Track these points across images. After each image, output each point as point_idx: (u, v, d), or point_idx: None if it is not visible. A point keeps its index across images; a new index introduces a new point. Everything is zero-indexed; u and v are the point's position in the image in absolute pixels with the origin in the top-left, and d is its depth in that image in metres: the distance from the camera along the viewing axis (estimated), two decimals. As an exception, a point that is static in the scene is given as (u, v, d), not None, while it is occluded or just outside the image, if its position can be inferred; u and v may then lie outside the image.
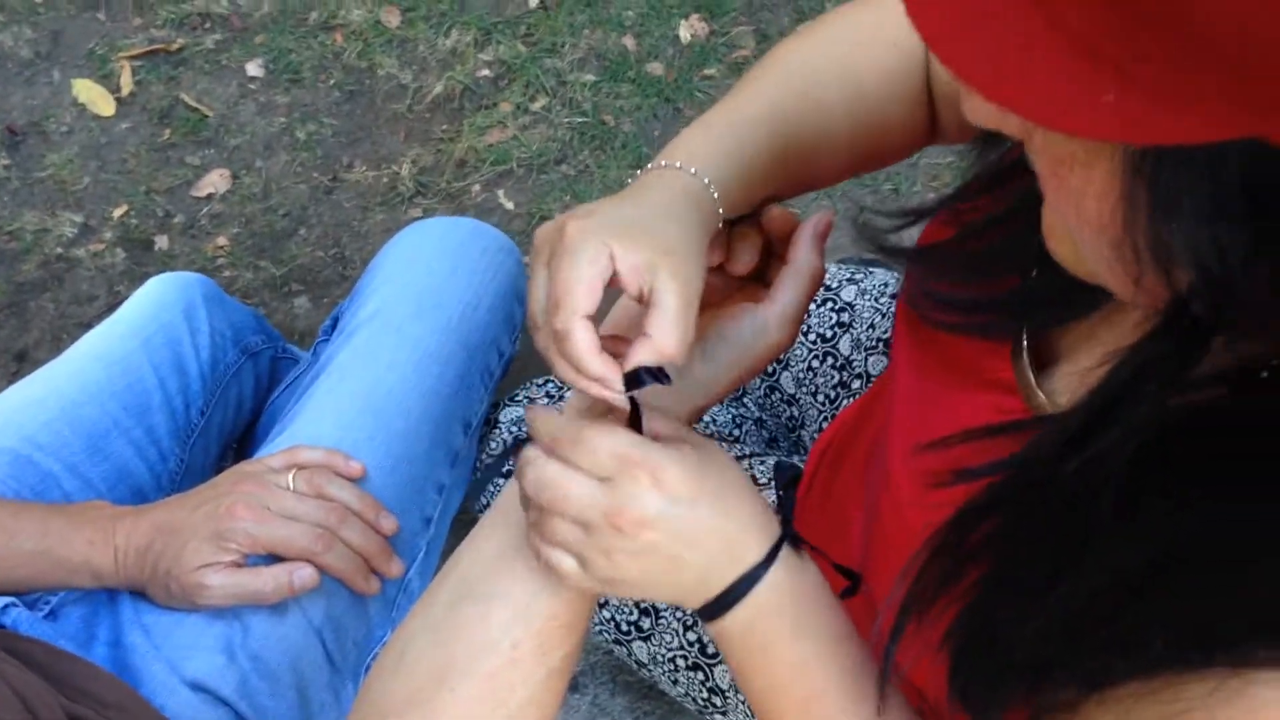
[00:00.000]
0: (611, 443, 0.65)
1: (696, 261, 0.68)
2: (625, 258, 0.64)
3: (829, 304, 1.18)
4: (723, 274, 0.80)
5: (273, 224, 1.97)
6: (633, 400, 0.67)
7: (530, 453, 0.68)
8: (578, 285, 0.63)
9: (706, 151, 0.75)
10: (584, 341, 0.64)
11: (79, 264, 1.93)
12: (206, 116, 2.04)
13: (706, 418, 1.20)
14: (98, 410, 1.12)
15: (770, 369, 1.20)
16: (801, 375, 1.18)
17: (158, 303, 1.23)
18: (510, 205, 1.96)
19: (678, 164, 0.73)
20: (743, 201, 0.77)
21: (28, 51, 2.08)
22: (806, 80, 0.81)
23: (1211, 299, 0.45)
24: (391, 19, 2.12)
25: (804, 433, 1.20)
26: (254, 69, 2.08)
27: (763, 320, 0.75)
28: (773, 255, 0.80)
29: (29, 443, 1.07)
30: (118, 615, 0.98)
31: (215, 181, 1.99)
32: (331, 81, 2.08)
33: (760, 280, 0.80)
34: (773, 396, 1.22)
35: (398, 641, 0.74)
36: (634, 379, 0.65)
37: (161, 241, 1.95)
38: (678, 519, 0.65)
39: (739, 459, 1.13)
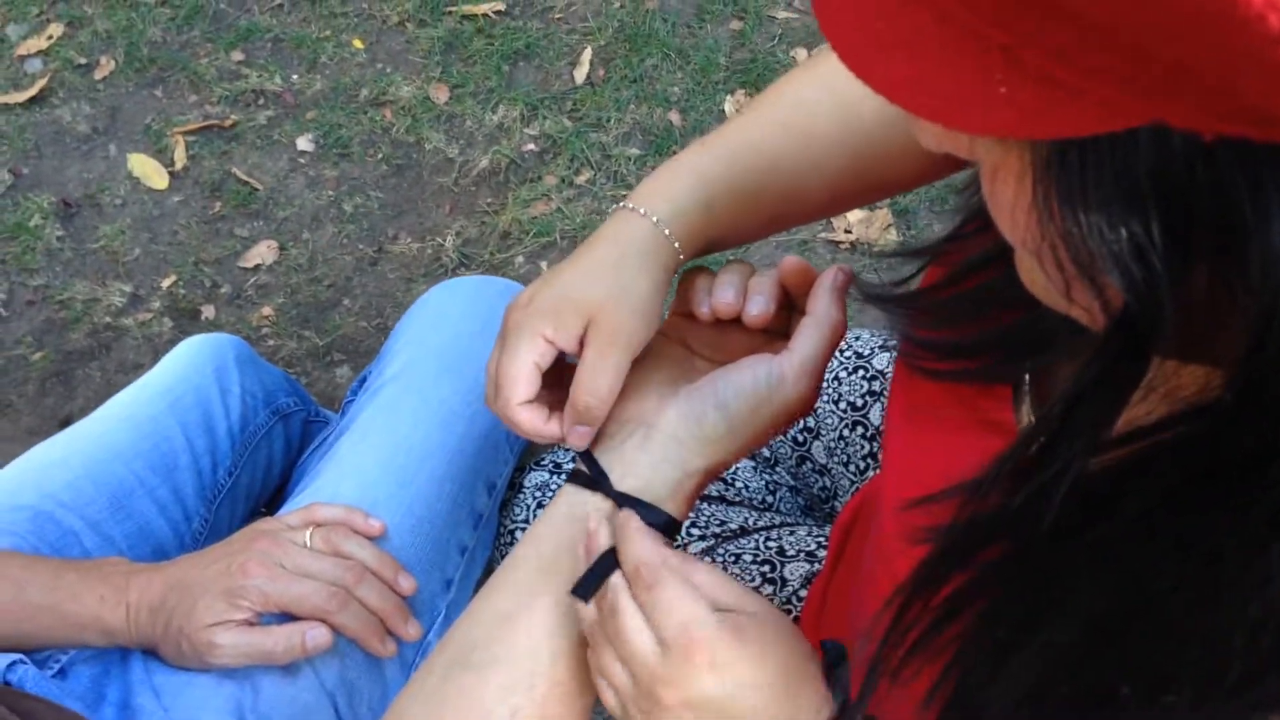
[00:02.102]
0: (682, 610, 0.63)
1: (630, 309, 0.73)
2: (559, 336, 0.73)
3: (860, 372, 1.14)
4: (745, 330, 0.78)
5: (317, 294, 1.98)
6: (590, 457, 0.74)
7: (616, 579, 0.66)
8: (515, 377, 0.73)
9: (667, 192, 0.77)
10: (527, 424, 0.75)
11: (126, 333, 1.95)
12: (256, 190, 2.07)
13: (739, 484, 1.17)
14: (123, 468, 1.11)
15: (801, 438, 1.17)
16: (833, 444, 1.15)
17: (189, 364, 1.22)
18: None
19: (633, 206, 0.76)
20: (710, 239, 0.77)
21: (85, 127, 2.13)
22: (794, 111, 0.80)
23: (1143, 310, 0.42)
24: (440, 95, 2.15)
25: (837, 503, 1.16)
26: (304, 144, 2.11)
27: (779, 371, 0.72)
28: (795, 310, 0.77)
29: (51, 499, 1.06)
30: (128, 675, 0.96)
31: (263, 253, 2.01)
32: (379, 156, 2.10)
33: (785, 337, 0.77)
34: (805, 466, 1.18)
35: (391, 713, 0.71)
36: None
37: (208, 311, 1.96)
38: (731, 705, 0.62)
39: (770, 528, 1.09)
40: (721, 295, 0.75)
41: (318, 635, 0.94)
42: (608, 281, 0.73)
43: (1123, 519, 0.49)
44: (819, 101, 0.81)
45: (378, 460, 1.05)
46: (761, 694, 0.63)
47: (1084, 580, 0.51)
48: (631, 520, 0.67)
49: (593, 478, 0.73)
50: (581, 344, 0.73)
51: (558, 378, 0.76)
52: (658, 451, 0.71)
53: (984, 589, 0.56)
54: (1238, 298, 0.41)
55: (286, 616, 0.96)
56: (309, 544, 0.98)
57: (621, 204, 0.77)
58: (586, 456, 0.74)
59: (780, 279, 0.75)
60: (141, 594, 0.95)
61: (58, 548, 1.04)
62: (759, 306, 0.74)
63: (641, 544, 0.66)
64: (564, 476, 1.10)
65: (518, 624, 0.69)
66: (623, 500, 0.71)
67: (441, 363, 1.10)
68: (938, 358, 0.69)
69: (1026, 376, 0.65)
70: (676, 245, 0.76)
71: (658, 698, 0.63)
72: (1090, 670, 0.51)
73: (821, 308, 0.73)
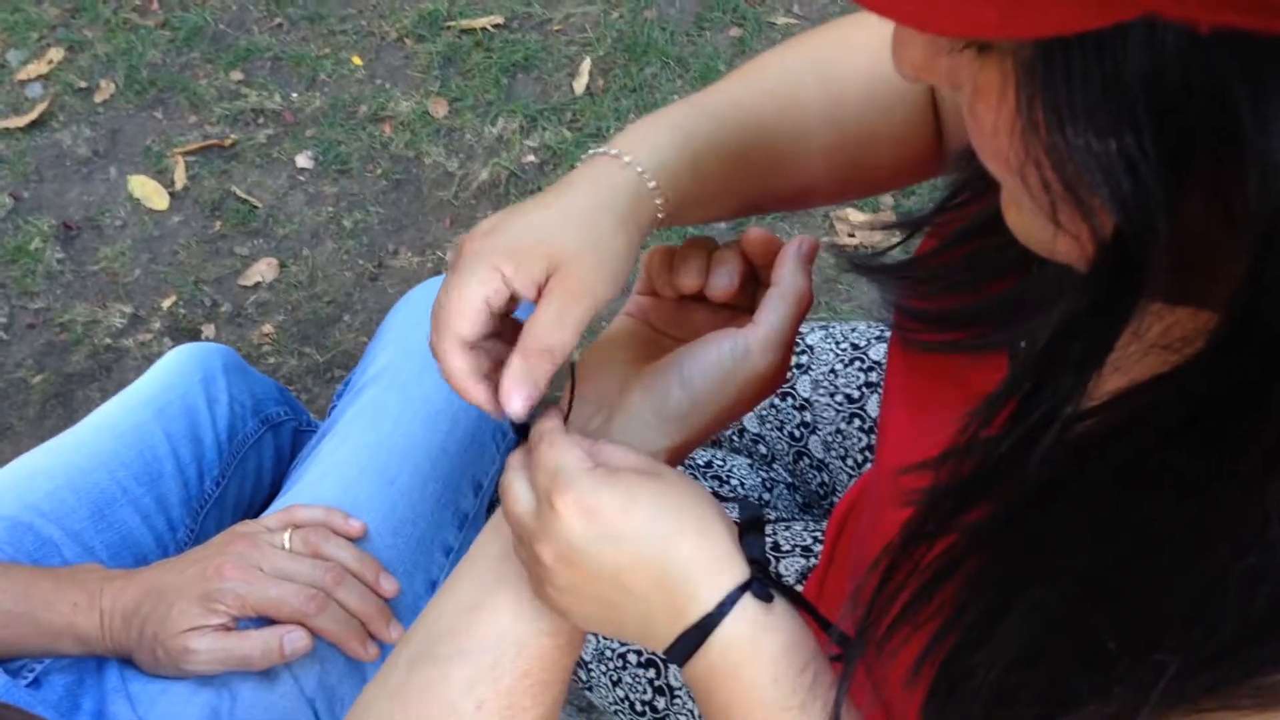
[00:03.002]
0: (553, 459, 0.60)
1: (600, 265, 0.66)
2: (516, 277, 0.64)
3: (857, 363, 1.11)
4: (710, 307, 0.75)
5: (318, 311, 1.96)
6: (525, 427, 0.66)
7: (512, 455, 0.64)
8: (457, 309, 0.63)
9: (652, 141, 0.71)
10: (457, 368, 0.65)
11: (126, 354, 1.94)
12: (256, 208, 2.06)
13: (734, 481, 1.13)
14: (105, 478, 1.09)
15: (798, 433, 1.13)
16: (830, 438, 1.11)
17: (176, 372, 1.20)
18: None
19: (613, 151, 0.69)
20: (696, 196, 0.72)
21: (86, 150, 2.13)
22: (780, 78, 0.77)
23: (1135, 232, 0.39)
24: (439, 109, 2.14)
25: (835, 499, 1.13)
26: (304, 160, 2.11)
27: (744, 344, 0.68)
28: (759, 284, 0.75)
29: (30, 509, 1.04)
30: (103, 684, 0.93)
31: (262, 270, 2.00)
32: (379, 171, 2.09)
33: (751, 313, 0.74)
34: (801, 462, 1.15)
35: (355, 710, 0.68)
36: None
37: (208, 330, 1.95)
38: (600, 554, 0.58)
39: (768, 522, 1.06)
40: (685, 270, 0.72)
41: (296, 639, 0.91)
42: (582, 231, 0.66)
43: (1113, 464, 0.47)
44: (805, 72, 0.79)
45: (358, 460, 1.03)
46: (642, 546, 0.58)
47: (1075, 534, 0.49)
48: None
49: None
50: (539, 293, 0.66)
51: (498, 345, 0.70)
52: (621, 433, 0.68)
53: (973, 550, 0.54)
54: (1234, 217, 0.38)
55: (264, 621, 0.93)
56: (287, 546, 0.95)
57: (601, 149, 0.71)
58: (523, 430, 0.68)
59: (744, 250, 0.72)
60: (115, 600, 0.92)
61: (36, 558, 1.01)
62: (723, 280, 0.71)
63: (541, 420, 0.64)
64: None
65: (481, 614, 0.67)
66: None
67: (424, 361, 1.07)
68: (930, 329, 0.67)
69: (1022, 345, 0.62)
70: (658, 202, 0.71)
71: (539, 557, 0.59)
72: (1082, 630, 0.48)
73: (787, 278, 0.70)
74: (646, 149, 0.70)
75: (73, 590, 0.93)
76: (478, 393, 0.65)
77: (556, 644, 0.66)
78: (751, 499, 1.13)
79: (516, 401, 0.65)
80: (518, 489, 0.61)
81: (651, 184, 0.69)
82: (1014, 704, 0.50)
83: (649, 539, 0.58)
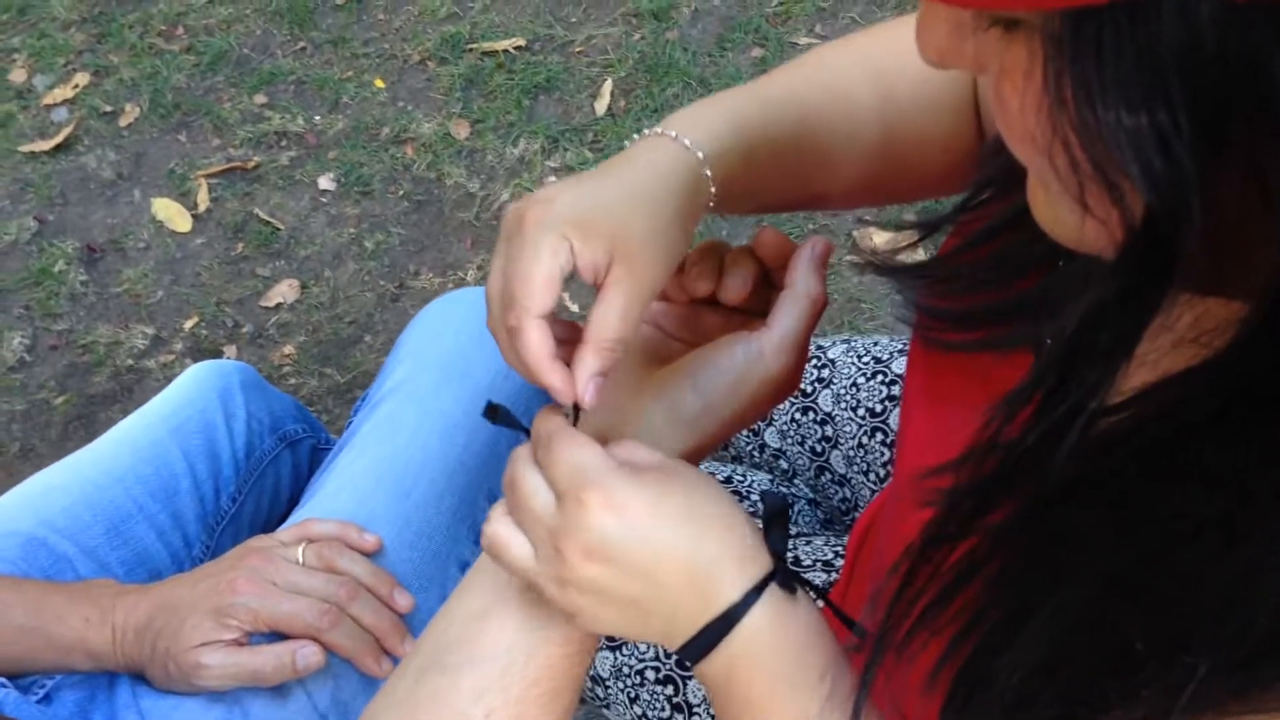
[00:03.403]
0: (573, 457, 0.58)
1: (662, 254, 0.63)
2: (583, 253, 0.60)
3: (879, 376, 1.09)
4: (723, 311, 0.74)
5: (339, 332, 1.96)
6: (576, 411, 0.64)
7: (518, 450, 0.62)
8: (534, 282, 0.60)
9: (709, 124, 0.68)
10: (537, 344, 0.61)
11: (148, 375, 1.94)
12: (278, 229, 2.06)
13: (754, 498, 1.11)
14: (121, 494, 1.08)
15: (819, 448, 1.12)
16: (852, 453, 1.09)
17: (194, 389, 1.20)
18: (575, 307, 1.92)
19: (672, 133, 0.67)
20: (745, 187, 0.70)
21: (110, 173, 2.14)
22: (834, 74, 0.76)
23: (1167, 213, 0.37)
24: (461, 131, 2.14)
25: (857, 514, 1.11)
26: (326, 182, 2.11)
27: (757, 347, 0.67)
28: (773, 288, 0.73)
29: (45, 525, 1.03)
30: (114, 700, 0.92)
31: (284, 292, 2.00)
32: (401, 192, 2.09)
33: (765, 317, 0.73)
34: (823, 477, 1.13)
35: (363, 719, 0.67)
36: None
37: (230, 351, 1.95)
38: (631, 551, 0.57)
39: (790, 537, 1.04)
40: (697, 274, 0.71)
41: (309, 655, 0.90)
42: (648, 217, 0.63)
43: (1139, 458, 0.45)
44: (857, 67, 0.78)
45: (374, 473, 1.01)
46: (669, 537, 0.57)
47: (1099, 531, 0.47)
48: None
49: None
50: (595, 276, 0.63)
51: None
52: (633, 437, 0.67)
53: (995, 551, 0.52)
54: (1269, 195, 0.37)
55: (277, 636, 0.92)
56: (301, 560, 0.94)
57: (658, 129, 0.68)
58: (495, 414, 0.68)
59: (757, 253, 0.71)
60: (128, 615, 0.91)
61: (50, 574, 1.01)
62: (736, 283, 0.70)
63: (550, 413, 0.63)
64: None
65: (490, 622, 0.65)
66: None
67: (441, 373, 1.06)
68: (954, 327, 0.66)
69: (1048, 341, 0.60)
70: (713, 190, 0.68)
71: (561, 554, 0.57)
72: (1107, 631, 0.46)
73: (800, 280, 0.68)
74: (705, 135, 0.68)
75: (85, 605, 0.92)
76: (553, 374, 0.61)
77: (566, 653, 0.65)
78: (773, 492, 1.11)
79: (591, 391, 0.62)
80: (534, 482, 0.59)
81: (708, 173, 0.67)
82: (1035, 709, 0.49)
83: (680, 536, 0.57)
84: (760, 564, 0.59)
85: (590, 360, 0.62)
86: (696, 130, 0.68)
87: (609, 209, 0.62)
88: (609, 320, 0.61)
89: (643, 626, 0.59)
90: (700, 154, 0.66)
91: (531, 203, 0.62)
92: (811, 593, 0.62)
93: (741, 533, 0.59)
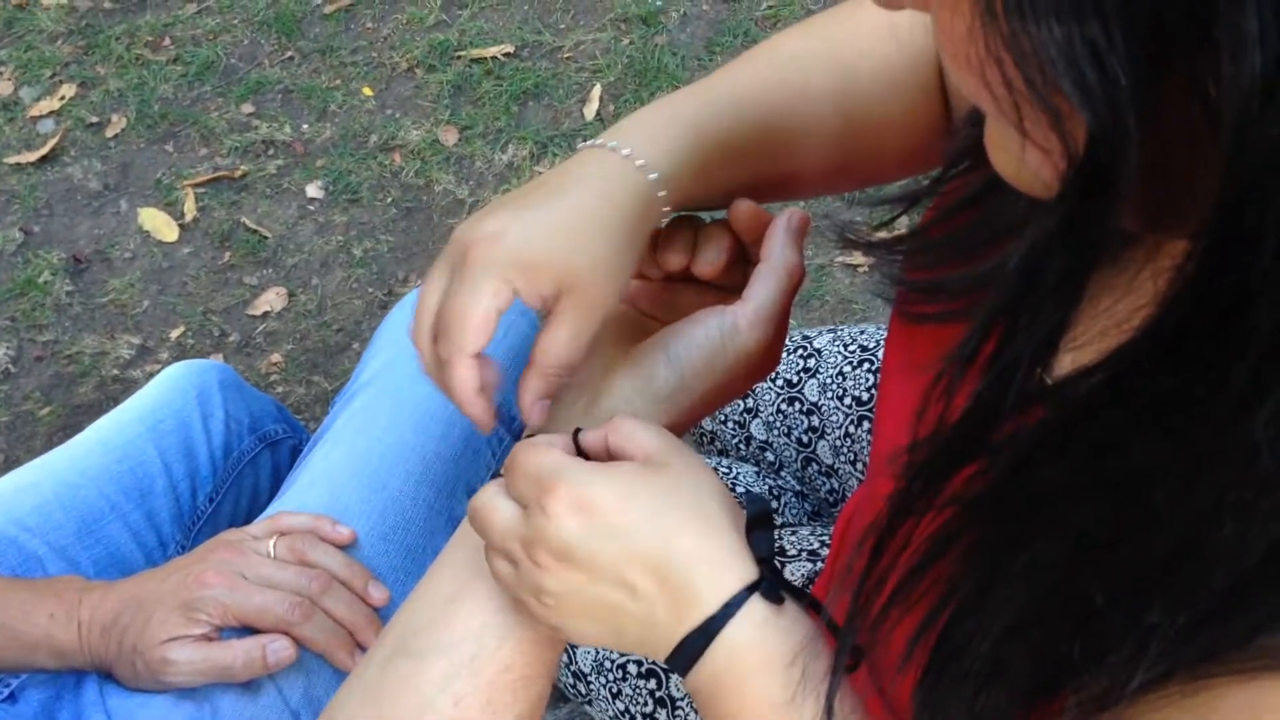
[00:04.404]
0: (531, 461, 0.56)
1: (612, 278, 0.64)
2: (528, 293, 0.62)
3: (865, 365, 1.07)
4: (698, 287, 0.72)
5: (326, 340, 1.94)
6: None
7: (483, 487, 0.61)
8: (470, 322, 0.61)
9: (651, 132, 0.67)
10: (465, 381, 0.63)
11: (134, 385, 1.91)
12: (266, 238, 2.05)
13: (740, 489, 1.09)
14: (94, 493, 1.06)
15: (806, 438, 1.09)
16: (839, 443, 1.07)
17: (171, 389, 1.18)
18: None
19: (625, 150, 0.65)
20: (700, 190, 0.68)
21: (96, 184, 2.13)
22: (789, 65, 0.74)
23: (1106, 136, 0.36)
24: (449, 137, 2.12)
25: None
26: (314, 190, 2.09)
27: (732, 320, 0.65)
28: (749, 264, 0.71)
29: (15, 524, 1.01)
30: (81, 699, 0.89)
31: (271, 300, 1.98)
32: (389, 199, 2.07)
33: (739, 293, 0.71)
34: (810, 468, 1.10)
35: (329, 709, 0.64)
36: None
37: (217, 360, 1.92)
38: (598, 552, 0.54)
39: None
40: (670, 248, 0.69)
41: (280, 649, 0.87)
42: (596, 247, 0.63)
43: (1095, 399, 0.43)
44: (814, 56, 0.75)
45: (349, 466, 0.99)
46: (643, 541, 0.54)
47: (1064, 485, 0.45)
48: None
49: None
50: (544, 306, 0.64)
51: None
52: (606, 415, 0.65)
53: (965, 523, 0.50)
54: (1209, 109, 0.35)
55: (248, 631, 0.89)
56: (273, 553, 0.92)
57: (609, 143, 0.66)
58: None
59: (733, 226, 0.69)
60: (94, 611, 0.89)
61: (19, 573, 0.98)
62: (710, 256, 0.68)
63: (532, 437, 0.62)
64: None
65: (460, 606, 0.63)
66: None
67: (417, 365, 1.04)
68: (932, 300, 0.64)
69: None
70: (666, 209, 0.67)
71: (536, 563, 0.55)
72: (1073, 588, 0.44)
73: (777, 252, 0.66)
74: (660, 152, 0.66)
75: (50, 601, 0.89)
76: (477, 408, 0.64)
77: (539, 636, 0.62)
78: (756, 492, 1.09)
79: (536, 414, 0.65)
80: (495, 502, 0.58)
81: (661, 193, 0.66)
82: (1005, 677, 0.47)
83: (649, 534, 0.54)
84: (741, 571, 0.55)
85: (535, 384, 0.64)
86: (653, 146, 0.66)
87: (555, 244, 0.62)
88: (555, 347, 0.63)
89: (619, 635, 0.57)
90: (654, 175, 0.65)
91: (477, 237, 0.62)
92: (802, 602, 0.57)
93: (721, 535, 0.55)
